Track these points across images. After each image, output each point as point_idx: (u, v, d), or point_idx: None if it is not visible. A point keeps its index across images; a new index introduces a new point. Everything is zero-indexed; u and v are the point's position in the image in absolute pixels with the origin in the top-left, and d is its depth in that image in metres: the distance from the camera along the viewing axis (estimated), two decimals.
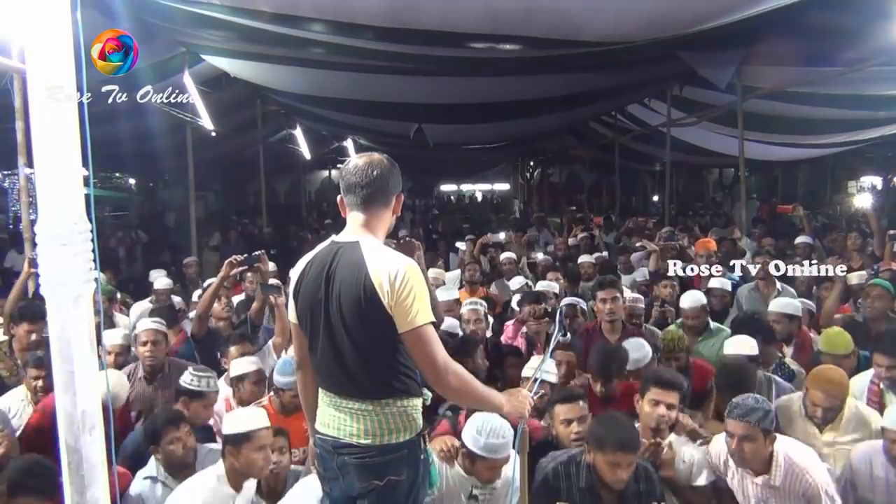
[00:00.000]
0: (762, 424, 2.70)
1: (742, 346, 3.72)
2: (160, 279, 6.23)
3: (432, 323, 2.04)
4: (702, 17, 5.34)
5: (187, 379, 3.41)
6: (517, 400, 2.25)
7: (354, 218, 2.17)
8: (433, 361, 2.01)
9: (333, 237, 2.23)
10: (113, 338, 4.10)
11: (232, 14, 5.42)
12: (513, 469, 2.45)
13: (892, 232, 6.03)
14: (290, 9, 5.23)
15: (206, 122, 8.15)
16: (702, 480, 2.97)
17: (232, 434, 2.73)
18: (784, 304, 4.49)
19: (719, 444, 2.96)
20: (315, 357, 2.19)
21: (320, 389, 2.22)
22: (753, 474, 2.78)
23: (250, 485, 2.86)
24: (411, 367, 2.11)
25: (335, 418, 2.14)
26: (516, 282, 6.02)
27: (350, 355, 2.06)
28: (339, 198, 2.23)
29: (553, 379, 3.52)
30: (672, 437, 3.06)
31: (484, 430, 2.70)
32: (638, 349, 3.82)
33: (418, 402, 2.15)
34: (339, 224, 2.27)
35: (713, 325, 4.54)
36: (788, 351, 4.36)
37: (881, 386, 3.51)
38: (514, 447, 2.46)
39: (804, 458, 2.76)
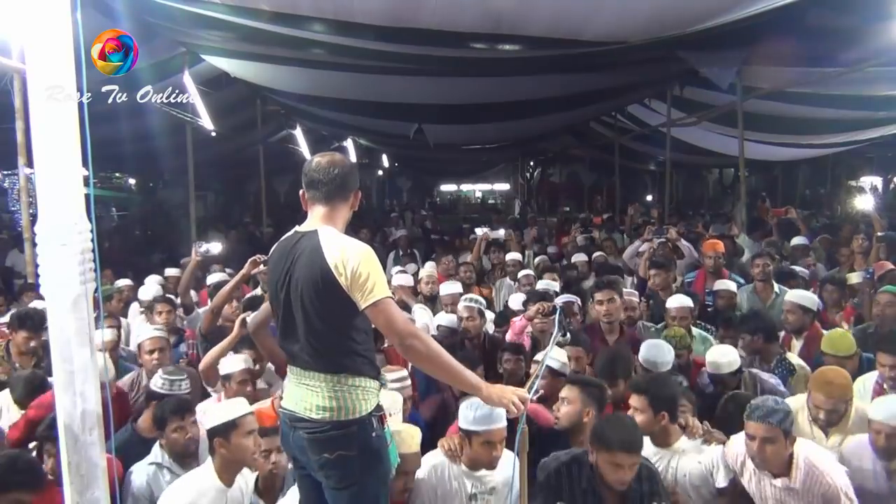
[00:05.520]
0: (783, 426, 2.68)
1: (722, 362, 3.63)
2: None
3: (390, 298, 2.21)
4: (702, 16, 5.34)
5: (158, 383, 3.35)
6: (500, 388, 2.32)
7: (316, 211, 2.35)
8: (395, 328, 2.18)
9: (297, 227, 2.40)
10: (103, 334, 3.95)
11: (232, 14, 5.42)
12: (513, 470, 2.44)
13: (879, 234, 6.04)
14: (290, 9, 5.23)
15: (206, 122, 8.15)
16: (723, 481, 2.95)
17: (219, 425, 2.73)
18: (801, 295, 4.48)
19: (736, 446, 2.93)
20: (282, 336, 2.37)
21: (288, 367, 2.40)
22: (772, 476, 2.76)
23: (245, 482, 2.86)
24: (366, 349, 2.29)
25: (295, 394, 2.30)
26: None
27: (308, 334, 2.23)
28: (301, 192, 2.40)
29: (556, 365, 3.55)
30: (683, 439, 3.04)
31: (473, 404, 2.76)
32: (664, 354, 3.71)
33: (371, 383, 2.28)
34: None
35: (696, 331, 4.49)
36: (798, 343, 4.37)
37: (885, 387, 3.50)
38: (514, 449, 2.46)
39: (824, 461, 2.74)
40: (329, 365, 2.22)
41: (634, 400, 3.02)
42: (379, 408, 2.31)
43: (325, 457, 2.21)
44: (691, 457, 3.00)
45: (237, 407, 2.84)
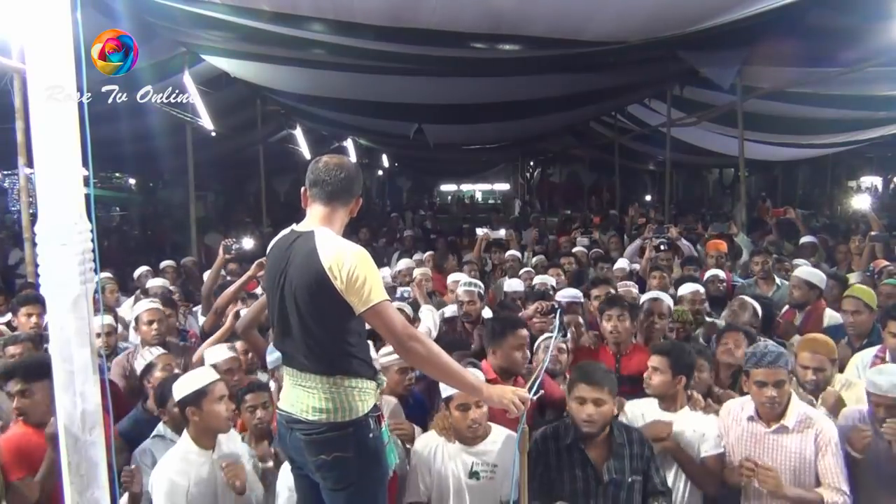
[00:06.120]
0: (787, 367, 2.84)
1: None
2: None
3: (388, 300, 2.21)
4: (702, 16, 5.34)
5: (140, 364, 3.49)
6: (500, 389, 2.33)
7: (316, 210, 2.34)
8: (394, 331, 2.19)
9: (294, 226, 2.37)
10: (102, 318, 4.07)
11: (232, 14, 5.42)
12: (512, 469, 2.44)
13: (873, 233, 6.08)
14: (290, 9, 5.23)
15: (206, 122, 8.15)
16: (711, 450, 2.99)
17: (189, 394, 2.77)
18: (809, 272, 4.57)
19: (729, 405, 3.04)
20: (277, 337, 2.38)
21: (284, 368, 2.38)
22: (766, 425, 2.85)
23: (229, 441, 2.90)
24: (360, 350, 2.28)
25: (292, 395, 2.30)
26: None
27: (303, 335, 2.22)
28: (303, 189, 2.38)
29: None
30: (687, 409, 3.10)
31: None
32: None
33: (368, 384, 2.27)
34: None
35: (708, 320, 4.53)
36: (797, 318, 4.45)
37: (886, 358, 3.55)
38: (515, 445, 2.46)
39: (817, 413, 2.90)
40: (325, 366, 2.21)
41: (655, 360, 3.10)
42: (376, 408, 2.30)
43: (322, 458, 2.21)
44: (688, 425, 3.05)
45: (206, 375, 2.87)
